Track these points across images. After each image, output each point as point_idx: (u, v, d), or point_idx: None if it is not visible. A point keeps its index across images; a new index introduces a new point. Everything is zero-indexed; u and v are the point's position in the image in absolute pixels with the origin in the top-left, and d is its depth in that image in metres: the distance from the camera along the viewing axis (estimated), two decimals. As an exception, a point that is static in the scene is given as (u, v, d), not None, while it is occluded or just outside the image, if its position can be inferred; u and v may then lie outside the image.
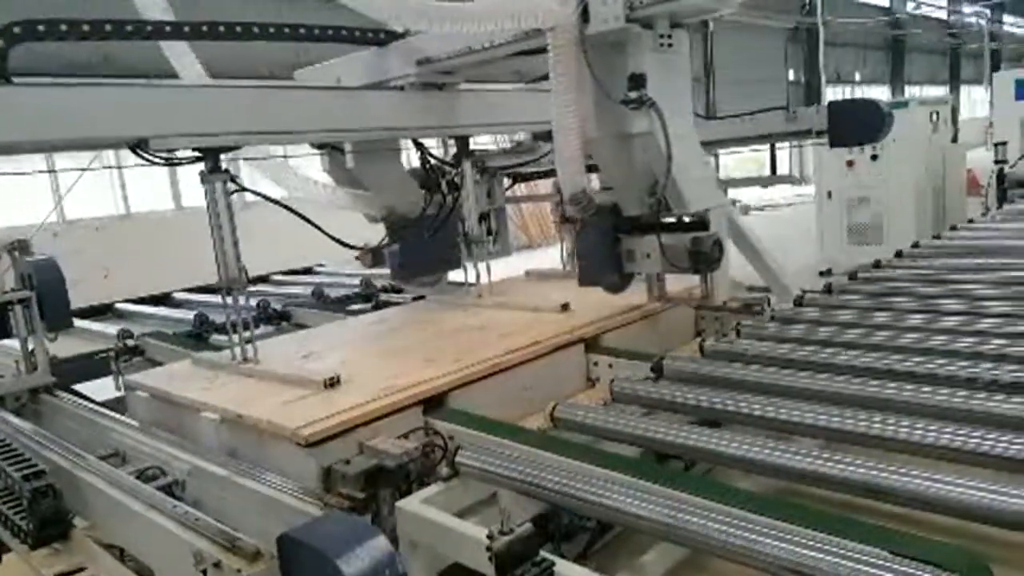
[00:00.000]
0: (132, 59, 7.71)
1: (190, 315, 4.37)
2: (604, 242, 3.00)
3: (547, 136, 4.10)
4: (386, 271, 5.31)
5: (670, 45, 2.72)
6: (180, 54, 3.39)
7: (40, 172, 9.11)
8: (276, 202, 3.23)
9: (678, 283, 3.34)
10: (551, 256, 6.42)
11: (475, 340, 2.87)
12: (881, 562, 1.21)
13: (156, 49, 3.35)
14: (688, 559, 2.05)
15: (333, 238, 3.48)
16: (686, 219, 2.97)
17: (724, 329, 3.25)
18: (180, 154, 2.83)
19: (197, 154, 2.79)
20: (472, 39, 3.10)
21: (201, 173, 2.77)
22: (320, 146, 3.84)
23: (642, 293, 3.28)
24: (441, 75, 3.51)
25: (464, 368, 2.52)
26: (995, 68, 21.65)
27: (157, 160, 2.79)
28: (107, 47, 8.50)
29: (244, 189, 3.02)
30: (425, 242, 3.86)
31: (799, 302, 3.17)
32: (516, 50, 3.06)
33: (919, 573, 1.17)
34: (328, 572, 1.34)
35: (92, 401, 3.19)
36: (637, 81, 2.62)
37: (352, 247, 3.77)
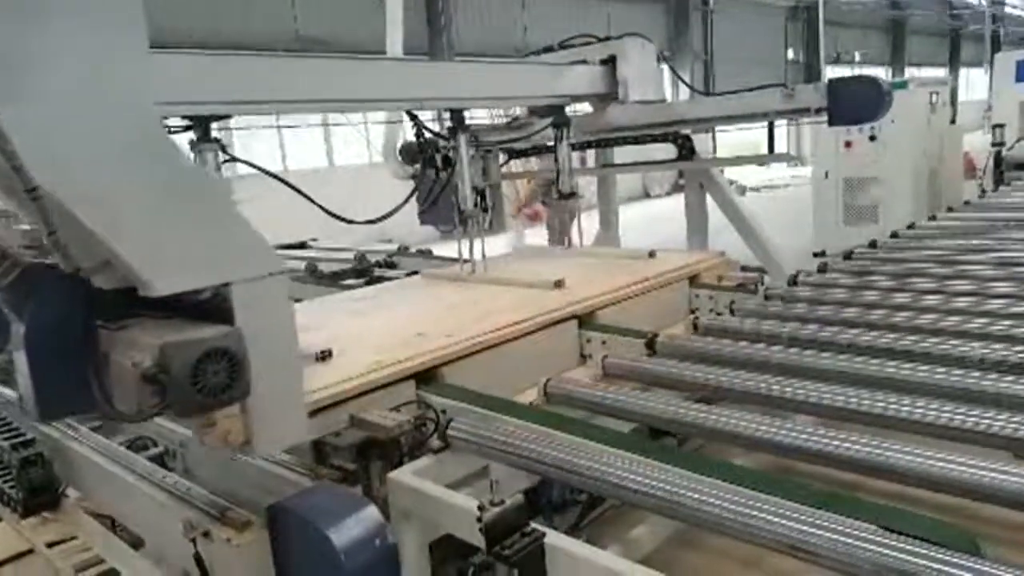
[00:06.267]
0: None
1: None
2: (41, 339, 1.43)
3: (543, 111, 4.05)
4: (381, 246, 5.24)
5: None
6: None
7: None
8: (270, 174, 3.19)
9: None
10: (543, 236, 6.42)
11: (468, 315, 2.85)
12: (873, 537, 1.21)
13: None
14: (678, 533, 2.05)
15: (329, 212, 3.43)
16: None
17: (718, 308, 3.25)
18: (171, 122, 2.78)
19: (187, 123, 2.73)
20: None
21: (191, 142, 2.72)
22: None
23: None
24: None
25: (457, 343, 2.51)
26: (995, 51, 21.55)
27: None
28: None
29: (236, 159, 2.98)
30: None
31: (793, 281, 3.16)
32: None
33: (911, 548, 1.17)
34: (318, 542, 1.34)
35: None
36: None
37: (350, 221, 3.64)
